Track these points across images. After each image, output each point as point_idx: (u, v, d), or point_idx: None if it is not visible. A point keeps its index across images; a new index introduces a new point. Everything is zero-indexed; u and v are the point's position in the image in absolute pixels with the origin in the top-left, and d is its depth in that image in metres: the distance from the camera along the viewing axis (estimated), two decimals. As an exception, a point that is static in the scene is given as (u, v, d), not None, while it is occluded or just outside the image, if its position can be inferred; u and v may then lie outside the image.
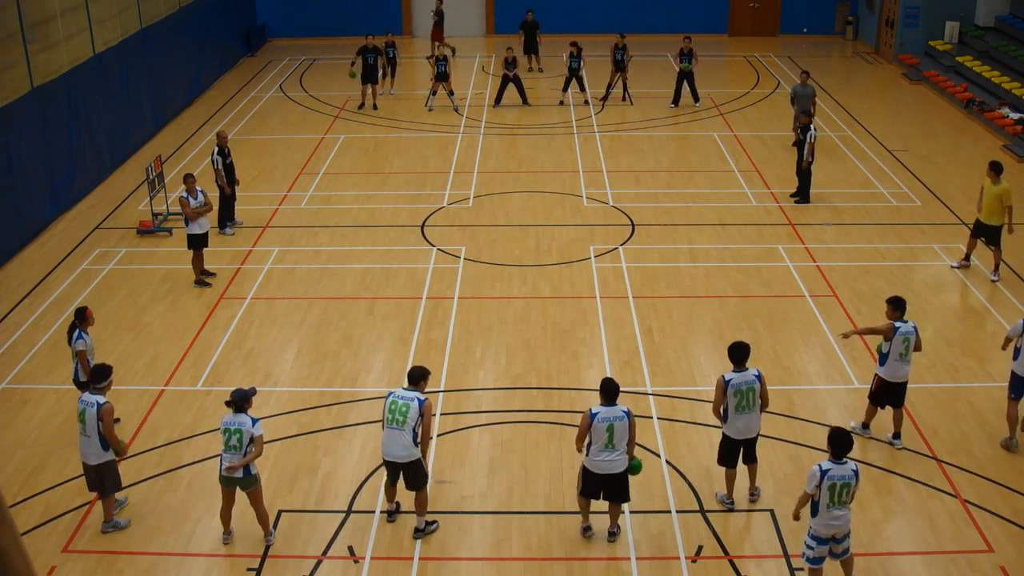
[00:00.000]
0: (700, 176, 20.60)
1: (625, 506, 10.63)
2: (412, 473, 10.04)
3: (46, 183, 18.40)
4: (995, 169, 15.57)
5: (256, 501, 10.07)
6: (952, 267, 16.20)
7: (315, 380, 13.27)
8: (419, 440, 9.92)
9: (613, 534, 10.26)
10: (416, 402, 9.86)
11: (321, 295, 15.57)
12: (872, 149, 22.14)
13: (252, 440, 9.82)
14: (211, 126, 24.27)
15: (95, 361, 11.78)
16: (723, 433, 10.49)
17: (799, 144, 19.05)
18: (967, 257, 16.17)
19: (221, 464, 9.93)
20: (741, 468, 10.71)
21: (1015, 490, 10.96)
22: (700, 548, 10.11)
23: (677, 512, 10.61)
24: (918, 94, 26.84)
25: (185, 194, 15.56)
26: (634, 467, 10.00)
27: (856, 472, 9.00)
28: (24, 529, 10.43)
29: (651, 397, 12.70)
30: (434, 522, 10.40)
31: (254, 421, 9.87)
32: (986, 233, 15.72)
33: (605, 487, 9.96)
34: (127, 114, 22.12)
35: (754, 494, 10.80)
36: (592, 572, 9.85)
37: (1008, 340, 11.72)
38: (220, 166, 17.43)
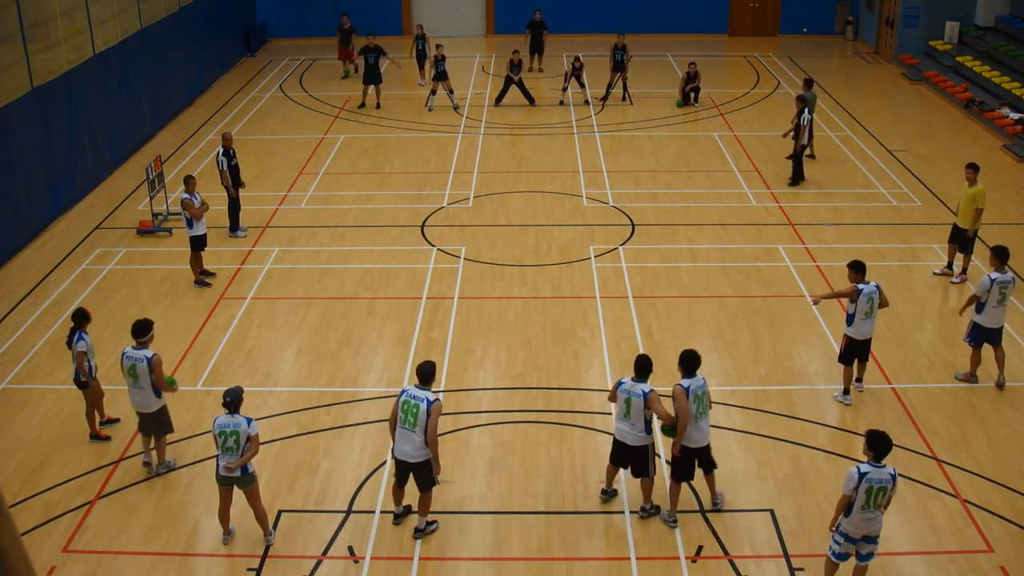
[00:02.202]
0: (700, 176, 20.60)
1: (625, 506, 10.65)
2: (422, 474, 10.04)
3: (46, 183, 18.40)
4: (973, 170, 15.54)
5: (254, 499, 10.07)
6: (935, 273, 16.08)
7: (315, 380, 13.27)
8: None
9: (645, 510, 10.49)
10: (425, 403, 9.83)
11: (321, 295, 15.57)
12: (872, 149, 22.14)
13: (249, 440, 9.82)
14: (211, 126, 24.29)
15: (95, 360, 11.80)
16: (677, 444, 10.17)
17: (796, 129, 19.78)
18: (949, 265, 16.03)
19: (218, 464, 9.92)
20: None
21: (1015, 490, 10.97)
22: (700, 548, 10.11)
23: (677, 512, 10.60)
24: (918, 94, 26.85)
25: (187, 195, 15.53)
26: (664, 430, 10.38)
27: (894, 477, 8.92)
28: (24, 529, 10.43)
29: (651, 397, 12.69)
30: (434, 522, 10.40)
31: (249, 421, 9.86)
32: (958, 237, 15.74)
33: (628, 458, 10.36)
34: (127, 114, 22.12)
35: (717, 500, 10.64)
36: (592, 572, 9.85)
37: (976, 299, 12.68)
38: (225, 167, 17.37)
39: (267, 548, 10.15)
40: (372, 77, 25.16)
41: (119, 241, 17.72)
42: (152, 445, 11.38)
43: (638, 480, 10.52)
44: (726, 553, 10.04)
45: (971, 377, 13.02)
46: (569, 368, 13.42)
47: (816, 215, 18.48)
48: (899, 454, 11.47)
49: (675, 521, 10.43)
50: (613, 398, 10.32)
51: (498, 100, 25.58)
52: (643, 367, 10.14)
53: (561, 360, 13.61)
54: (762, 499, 10.82)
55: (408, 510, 10.53)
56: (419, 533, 10.26)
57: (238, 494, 10.15)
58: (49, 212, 18.44)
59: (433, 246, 17.22)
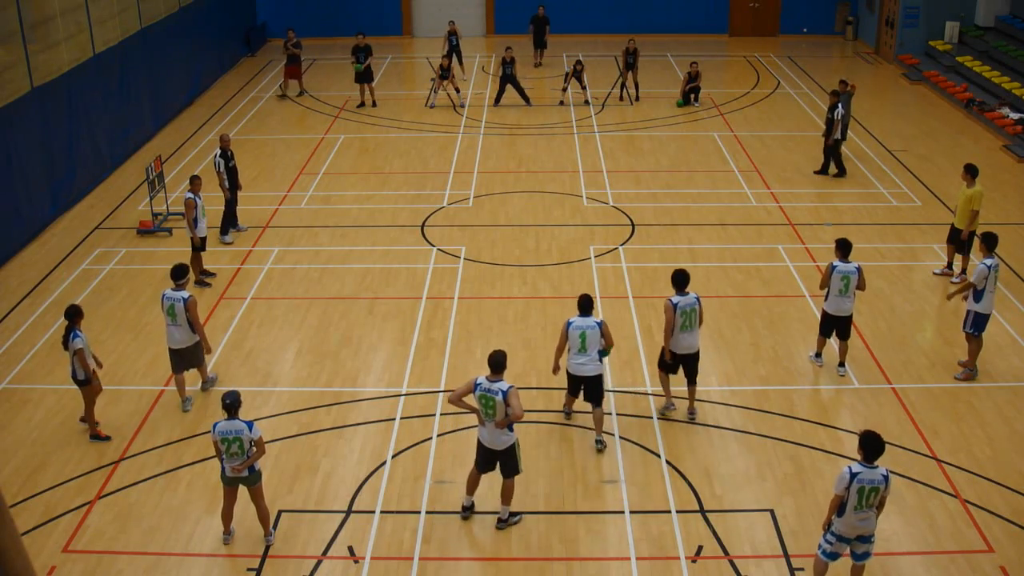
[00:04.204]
0: (700, 176, 20.60)
1: (625, 506, 10.66)
2: (506, 460, 10.20)
3: (46, 183, 18.40)
4: (970, 172, 15.51)
5: (258, 497, 10.08)
6: (935, 273, 16.09)
7: (315, 380, 13.27)
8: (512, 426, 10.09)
9: (600, 442, 11.60)
10: (500, 395, 9.92)
11: (321, 295, 15.57)
12: (872, 149, 22.14)
13: (253, 444, 9.82)
14: (211, 126, 24.29)
15: (91, 359, 11.78)
16: (667, 350, 11.87)
17: (828, 123, 20.06)
18: (949, 265, 16.05)
19: (223, 466, 9.92)
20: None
21: (1015, 490, 10.97)
22: (700, 548, 10.11)
23: (677, 512, 10.61)
24: (918, 94, 26.85)
25: (191, 194, 15.50)
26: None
27: (887, 477, 8.87)
28: (24, 529, 10.43)
29: (651, 397, 12.69)
30: (519, 515, 10.47)
31: (249, 425, 9.85)
32: (956, 238, 15.74)
33: (584, 388, 11.56)
34: (127, 114, 22.12)
35: (693, 413, 12.14)
36: (592, 572, 9.86)
37: (972, 286, 12.92)
38: (222, 168, 17.32)
39: (267, 548, 10.15)
40: (363, 76, 25.15)
41: (119, 241, 17.72)
42: (186, 394, 12.63)
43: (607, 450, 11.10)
44: (726, 553, 10.04)
45: (970, 373, 13.07)
46: (569, 368, 13.40)
47: (816, 215, 18.48)
48: (899, 454, 11.48)
49: (672, 407, 12.23)
50: (562, 344, 11.41)
51: (497, 100, 25.59)
52: (583, 303, 11.40)
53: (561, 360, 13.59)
54: (762, 499, 10.83)
55: (473, 506, 10.59)
56: (502, 524, 10.35)
57: (241, 492, 10.16)
58: (49, 212, 18.44)
59: (433, 246, 17.22)
